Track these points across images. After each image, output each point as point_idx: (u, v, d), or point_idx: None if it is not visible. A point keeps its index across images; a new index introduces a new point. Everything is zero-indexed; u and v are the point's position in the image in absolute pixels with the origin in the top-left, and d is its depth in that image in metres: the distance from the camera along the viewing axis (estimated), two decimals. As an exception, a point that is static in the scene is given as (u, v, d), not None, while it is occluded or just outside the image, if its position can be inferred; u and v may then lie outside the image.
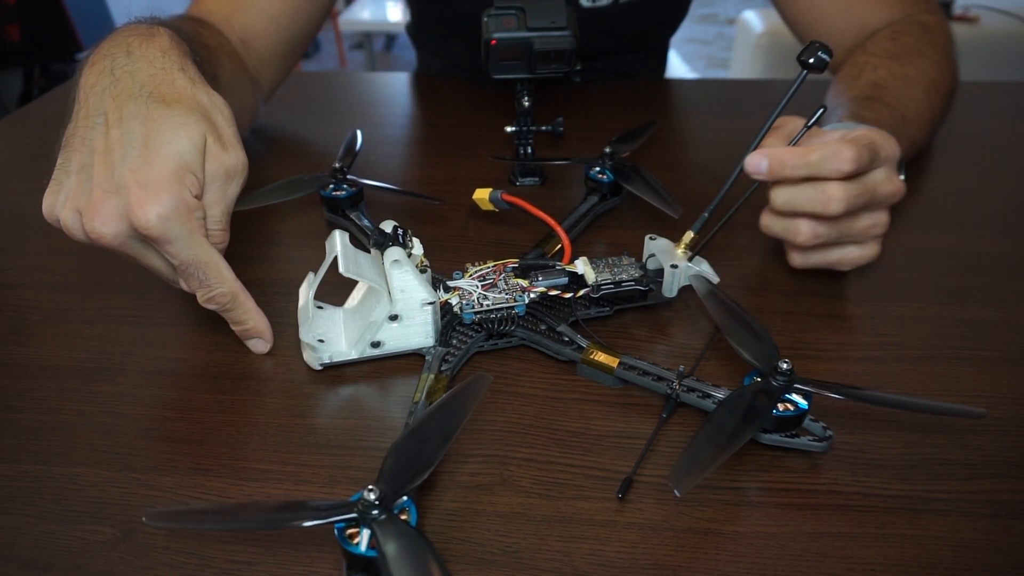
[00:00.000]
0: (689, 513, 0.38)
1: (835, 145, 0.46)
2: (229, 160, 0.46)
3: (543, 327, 0.49)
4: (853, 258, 0.52)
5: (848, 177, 0.47)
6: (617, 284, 0.50)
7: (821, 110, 0.48)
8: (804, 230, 0.49)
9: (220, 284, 0.45)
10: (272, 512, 0.35)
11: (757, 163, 0.47)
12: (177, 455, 0.42)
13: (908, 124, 0.63)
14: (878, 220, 0.50)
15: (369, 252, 0.48)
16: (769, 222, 0.52)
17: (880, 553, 0.36)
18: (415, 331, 0.47)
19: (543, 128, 0.69)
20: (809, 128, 0.49)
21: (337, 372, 0.48)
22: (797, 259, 0.53)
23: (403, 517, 0.34)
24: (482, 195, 0.57)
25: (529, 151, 0.71)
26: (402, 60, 3.87)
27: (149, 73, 0.46)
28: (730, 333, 0.43)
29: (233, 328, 0.48)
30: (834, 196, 0.46)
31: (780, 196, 0.49)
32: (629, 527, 0.38)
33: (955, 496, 0.39)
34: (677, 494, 0.34)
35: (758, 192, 0.49)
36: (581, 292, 0.49)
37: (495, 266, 0.51)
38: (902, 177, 0.51)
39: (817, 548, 0.37)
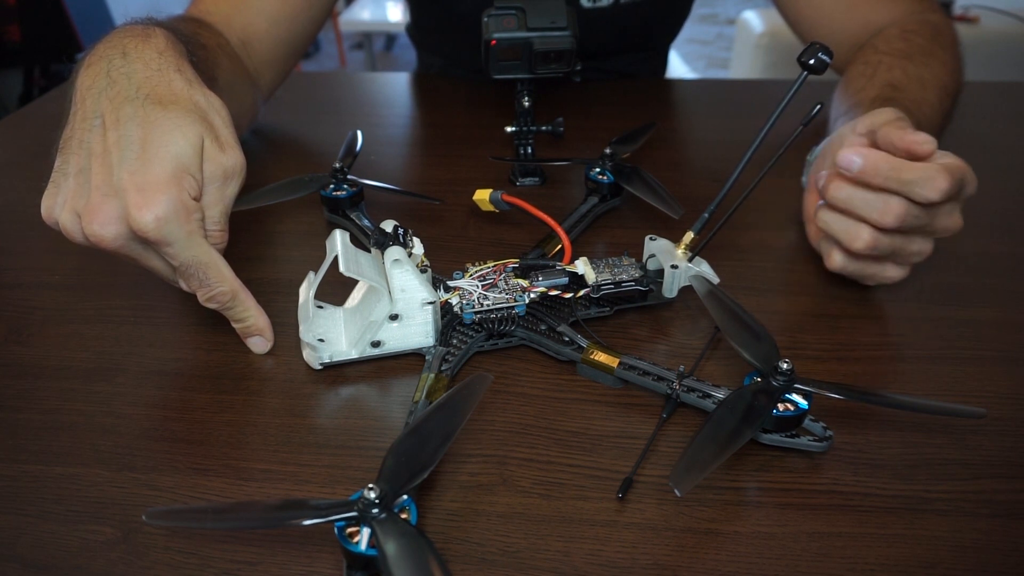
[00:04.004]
0: (689, 513, 0.38)
1: (934, 171, 0.44)
2: (227, 161, 0.46)
3: (543, 327, 0.49)
4: (886, 276, 0.51)
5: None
6: (617, 284, 0.50)
7: (818, 107, 0.47)
8: (865, 236, 0.48)
9: (220, 283, 0.45)
10: (272, 511, 0.35)
11: (850, 160, 0.46)
12: (177, 455, 0.42)
13: (923, 130, 0.62)
14: (924, 248, 0.49)
15: (369, 252, 0.48)
16: (828, 219, 0.50)
17: (880, 553, 0.36)
18: (415, 331, 0.47)
19: (543, 128, 0.69)
20: (806, 126, 0.47)
21: (337, 372, 0.48)
22: (839, 261, 0.51)
23: (403, 516, 0.34)
24: (482, 196, 0.57)
25: (529, 151, 0.71)
26: (402, 60, 3.87)
27: (145, 75, 0.46)
28: (730, 333, 0.43)
29: (234, 326, 0.48)
30: (894, 211, 0.46)
31: (841, 191, 0.48)
32: (629, 527, 0.38)
33: (955, 496, 0.39)
34: (677, 494, 0.34)
35: (759, 192, 0.49)
36: (581, 292, 0.49)
37: (495, 266, 0.51)
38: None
39: (817, 548, 0.37)
